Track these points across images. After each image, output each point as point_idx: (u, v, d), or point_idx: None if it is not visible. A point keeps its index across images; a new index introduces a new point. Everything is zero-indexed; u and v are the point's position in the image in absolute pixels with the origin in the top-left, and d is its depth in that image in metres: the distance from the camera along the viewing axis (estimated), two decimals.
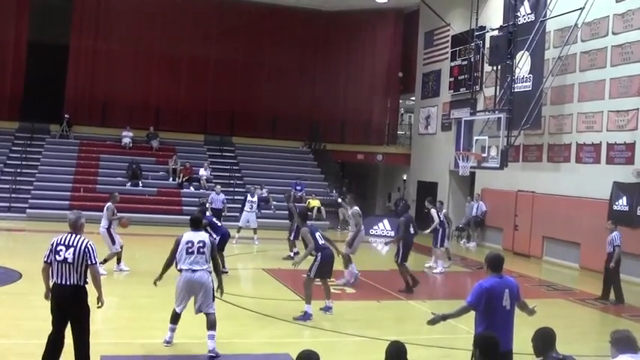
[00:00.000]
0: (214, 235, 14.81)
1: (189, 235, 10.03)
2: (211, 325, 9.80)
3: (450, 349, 11.17)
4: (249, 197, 24.49)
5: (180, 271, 9.98)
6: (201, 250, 9.88)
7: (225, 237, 16.65)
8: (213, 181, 30.85)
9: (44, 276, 8.37)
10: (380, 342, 10.72)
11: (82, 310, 8.25)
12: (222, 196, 25.03)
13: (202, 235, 10.12)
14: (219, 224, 16.83)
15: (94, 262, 8.20)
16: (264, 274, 17.71)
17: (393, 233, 28.94)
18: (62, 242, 8.19)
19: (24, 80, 33.40)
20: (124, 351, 9.97)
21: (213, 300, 9.97)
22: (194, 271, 9.82)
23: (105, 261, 15.73)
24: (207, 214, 17.92)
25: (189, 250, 9.88)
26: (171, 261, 10.16)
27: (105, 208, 16.47)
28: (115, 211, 16.59)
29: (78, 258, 8.10)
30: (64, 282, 8.11)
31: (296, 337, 11.20)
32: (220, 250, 15.63)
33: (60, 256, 8.10)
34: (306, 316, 12.31)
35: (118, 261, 16.63)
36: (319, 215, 29.67)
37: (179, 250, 9.96)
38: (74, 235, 8.27)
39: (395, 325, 13.08)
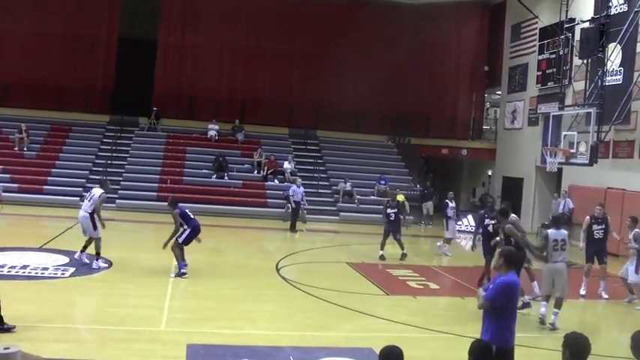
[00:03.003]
0: (185, 227, 14.76)
1: (554, 234, 12.32)
2: (557, 304, 12.30)
3: (534, 349, 10.94)
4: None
5: (554, 262, 12.26)
6: (564, 247, 12.32)
7: (196, 230, 15.02)
8: (297, 174, 31.11)
9: None
10: (465, 339, 10.60)
11: None
12: (302, 189, 25.42)
13: (562, 234, 12.41)
14: (191, 216, 15.16)
15: None
16: (348, 268, 17.71)
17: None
18: None
19: (114, 75, 34.33)
20: (210, 340, 10.12)
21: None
22: (555, 262, 12.19)
23: (87, 249, 15.45)
24: (180, 204, 15.48)
25: (555, 248, 12.26)
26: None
27: (98, 195, 15.61)
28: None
29: None
30: None
31: (381, 331, 11.15)
32: (185, 244, 14.89)
33: None
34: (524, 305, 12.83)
35: (84, 249, 15.56)
36: (403, 210, 29.48)
37: (548, 245, 12.30)
38: None
39: (479, 322, 12.89)
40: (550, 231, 12.45)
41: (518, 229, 13.24)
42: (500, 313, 7.18)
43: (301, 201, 25.47)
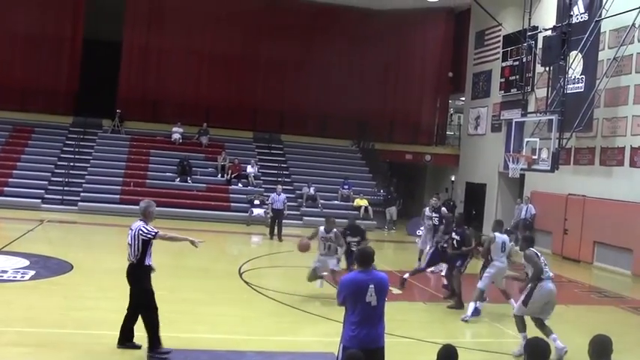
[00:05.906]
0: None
1: (501, 237, 13.31)
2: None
3: (497, 354, 11.04)
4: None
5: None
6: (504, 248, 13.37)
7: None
8: (261, 178, 31.07)
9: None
10: (427, 344, 10.69)
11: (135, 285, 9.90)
12: (283, 197, 25.07)
13: (505, 237, 13.43)
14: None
15: (153, 235, 9.52)
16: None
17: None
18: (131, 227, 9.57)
19: (79, 76, 34.02)
20: (171, 344, 10.02)
21: None
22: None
23: None
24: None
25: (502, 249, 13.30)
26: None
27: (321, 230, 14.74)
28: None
29: (132, 240, 9.49)
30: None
31: None
32: None
33: (128, 238, 9.56)
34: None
35: None
36: (366, 215, 29.63)
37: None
38: (137, 222, 9.59)
39: (441, 327, 12.99)
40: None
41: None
42: (346, 311, 7.13)
43: (283, 208, 24.88)
